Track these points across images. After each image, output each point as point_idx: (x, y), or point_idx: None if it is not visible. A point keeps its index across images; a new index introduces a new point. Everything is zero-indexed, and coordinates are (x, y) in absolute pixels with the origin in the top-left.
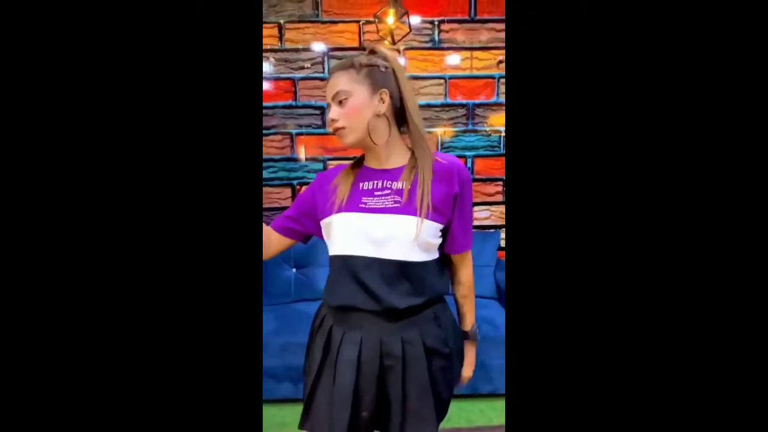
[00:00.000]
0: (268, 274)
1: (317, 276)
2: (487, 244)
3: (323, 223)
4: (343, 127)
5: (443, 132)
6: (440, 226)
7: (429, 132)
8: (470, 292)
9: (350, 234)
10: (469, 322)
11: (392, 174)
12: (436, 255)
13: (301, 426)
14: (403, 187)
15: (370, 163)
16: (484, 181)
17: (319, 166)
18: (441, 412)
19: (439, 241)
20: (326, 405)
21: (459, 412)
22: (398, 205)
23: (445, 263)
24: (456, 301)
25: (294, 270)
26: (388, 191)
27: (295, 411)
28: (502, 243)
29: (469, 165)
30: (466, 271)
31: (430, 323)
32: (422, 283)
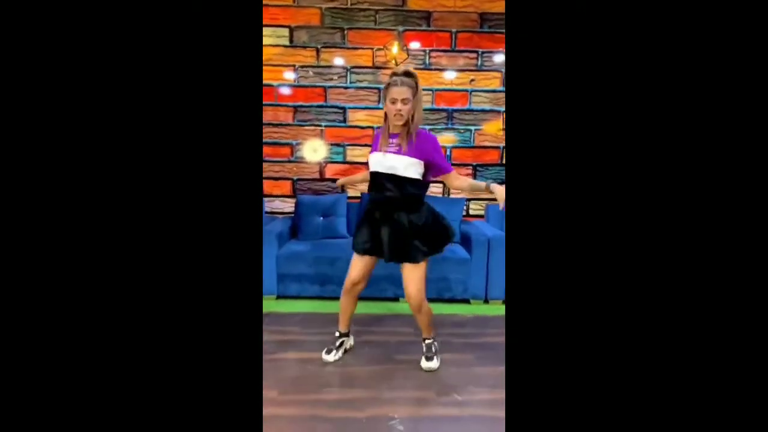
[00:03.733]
0: (303, 219)
1: (336, 222)
2: (455, 207)
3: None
4: (402, 115)
5: (429, 130)
6: (417, 161)
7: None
8: (469, 187)
9: (376, 163)
10: (482, 184)
11: (397, 136)
12: (417, 176)
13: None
14: (401, 142)
15: (390, 129)
16: (458, 165)
17: (340, 149)
18: (416, 254)
19: (421, 169)
20: (359, 237)
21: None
22: (399, 148)
23: (423, 186)
24: (470, 189)
25: (321, 218)
26: (394, 144)
27: (323, 305)
28: (465, 209)
29: (448, 154)
30: (456, 181)
31: (412, 208)
32: (405, 187)
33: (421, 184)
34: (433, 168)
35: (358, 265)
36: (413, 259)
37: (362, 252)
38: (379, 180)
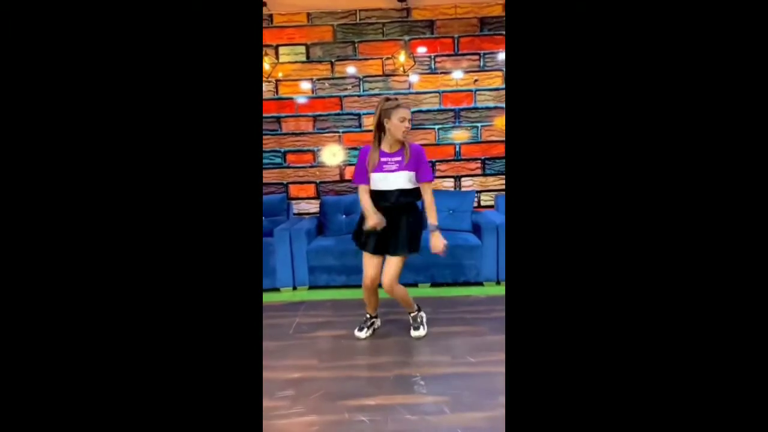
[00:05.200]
0: (328, 218)
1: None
2: (466, 199)
3: (370, 175)
4: (407, 133)
5: (438, 129)
6: (413, 173)
7: (427, 128)
8: (431, 206)
9: (380, 182)
10: (432, 221)
11: (394, 154)
12: (415, 185)
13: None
14: (401, 159)
15: (384, 148)
16: (467, 160)
17: (356, 152)
18: (412, 246)
19: (414, 180)
20: (369, 239)
21: (451, 291)
22: (396, 165)
23: (418, 192)
24: (425, 210)
25: (344, 216)
26: (393, 162)
27: (351, 292)
28: (476, 200)
29: (456, 149)
30: (427, 195)
31: (410, 213)
32: (405, 196)
33: (417, 191)
34: (419, 174)
35: (372, 264)
36: (399, 253)
37: (373, 251)
38: (383, 194)
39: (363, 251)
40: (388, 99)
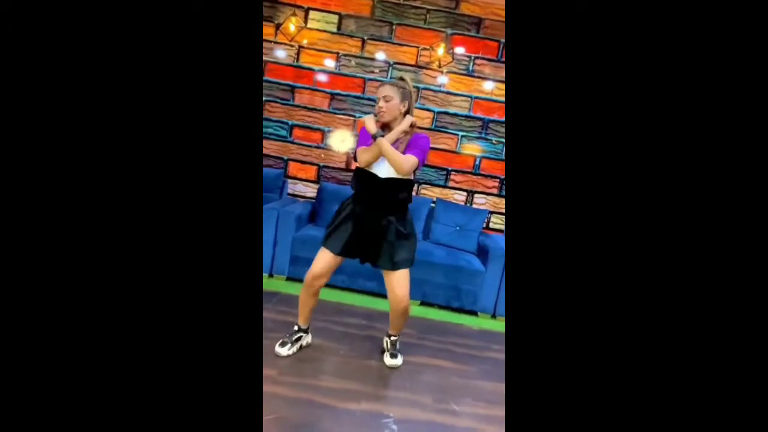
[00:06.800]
0: (324, 206)
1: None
2: (477, 217)
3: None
4: (384, 112)
5: (462, 136)
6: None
7: (450, 133)
8: (394, 156)
9: (374, 165)
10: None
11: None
12: (408, 179)
13: (323, 244)
14: (400, 146)
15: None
16: (485, 176)
17: None
18: (407, 263)
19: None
20: (338, 234)
21: (442, 315)
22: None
23: (409, 190)
24: (383, 151)
25: None
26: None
27: (332, 294)
28: (486, 221)
29: (476, 162)
30: (390, 151)
31: (400, 214)
32: (398, 190)
33: (410, 187)
34: (408, 150)
35: (326, 261)
36: (404, 266)
37: (338, 252)
38: (372, 181)
39: (323, 247)
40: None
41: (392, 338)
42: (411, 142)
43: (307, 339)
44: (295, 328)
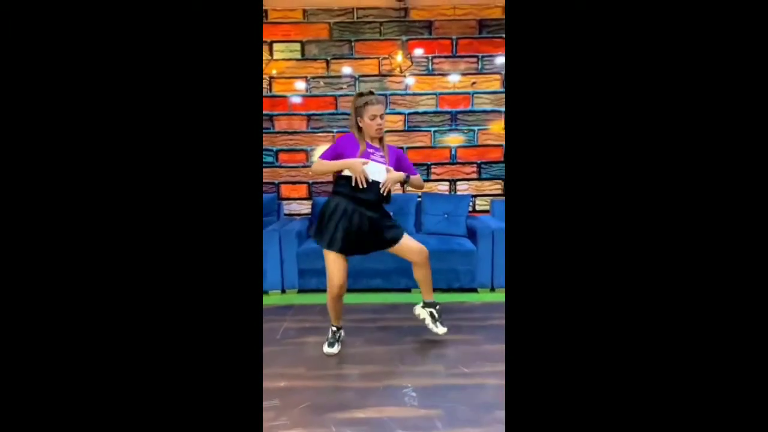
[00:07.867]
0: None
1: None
2: (462, 203)
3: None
4: (382, 129)
5: (434, 131)
6: (391, 167)
7: (423, 131)
8: (418, 182)
9: (367, 169)
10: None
11: (378, 149)
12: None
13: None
14: (383, 153)
15: (368, 140)
16: (463, 164)
17: None
18: (398, 231)
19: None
20: (332, 231)
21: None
22: (383, 159)
23: (388, 197)
24: (412, 184)
25: None
26: (378, 155)
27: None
28: (471, 205)
29: (452, 153)
30: (416, 180)
31: (378, 208)
32: (379, 191)
33: (387, 196)
34: (408, 170)
35: (340, 268)
36: (401, 235)
37: (341, 249)
38: (370, 186)
39: (328, 250)
40: (360, 95)
41: (436, 308)
42: (402, 163)
43: (343, 333)
44: (333, 329)
